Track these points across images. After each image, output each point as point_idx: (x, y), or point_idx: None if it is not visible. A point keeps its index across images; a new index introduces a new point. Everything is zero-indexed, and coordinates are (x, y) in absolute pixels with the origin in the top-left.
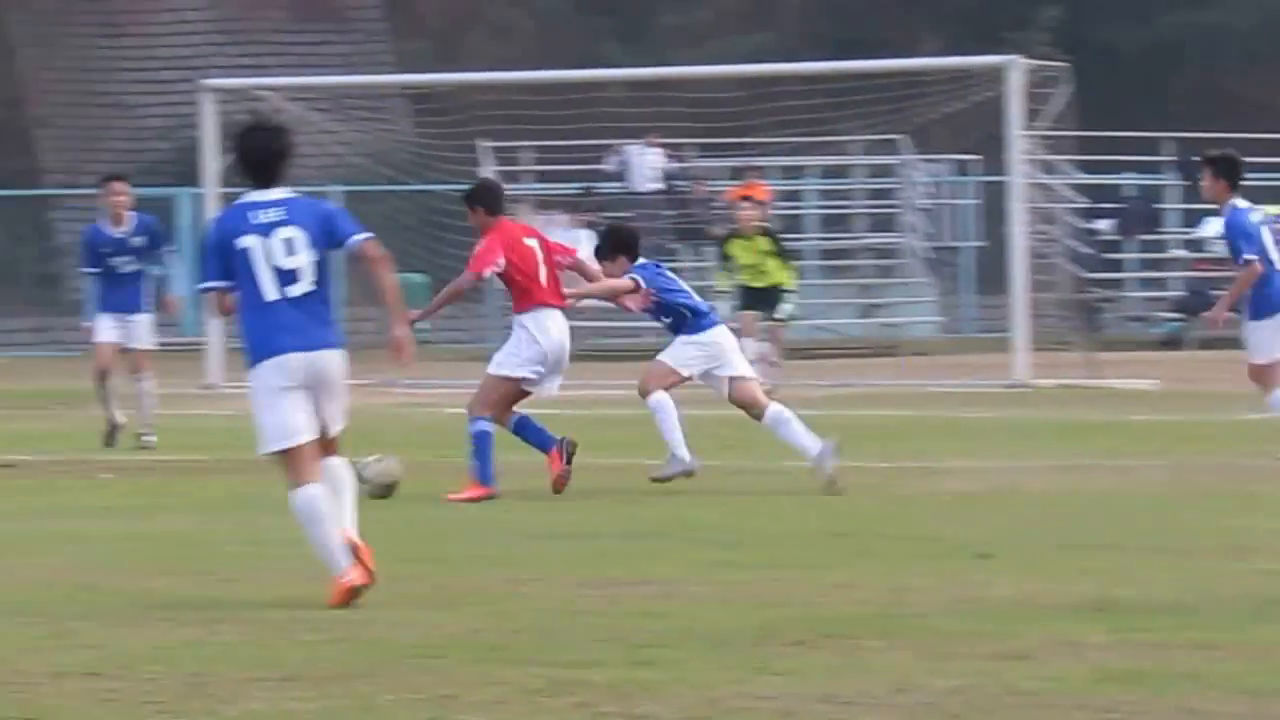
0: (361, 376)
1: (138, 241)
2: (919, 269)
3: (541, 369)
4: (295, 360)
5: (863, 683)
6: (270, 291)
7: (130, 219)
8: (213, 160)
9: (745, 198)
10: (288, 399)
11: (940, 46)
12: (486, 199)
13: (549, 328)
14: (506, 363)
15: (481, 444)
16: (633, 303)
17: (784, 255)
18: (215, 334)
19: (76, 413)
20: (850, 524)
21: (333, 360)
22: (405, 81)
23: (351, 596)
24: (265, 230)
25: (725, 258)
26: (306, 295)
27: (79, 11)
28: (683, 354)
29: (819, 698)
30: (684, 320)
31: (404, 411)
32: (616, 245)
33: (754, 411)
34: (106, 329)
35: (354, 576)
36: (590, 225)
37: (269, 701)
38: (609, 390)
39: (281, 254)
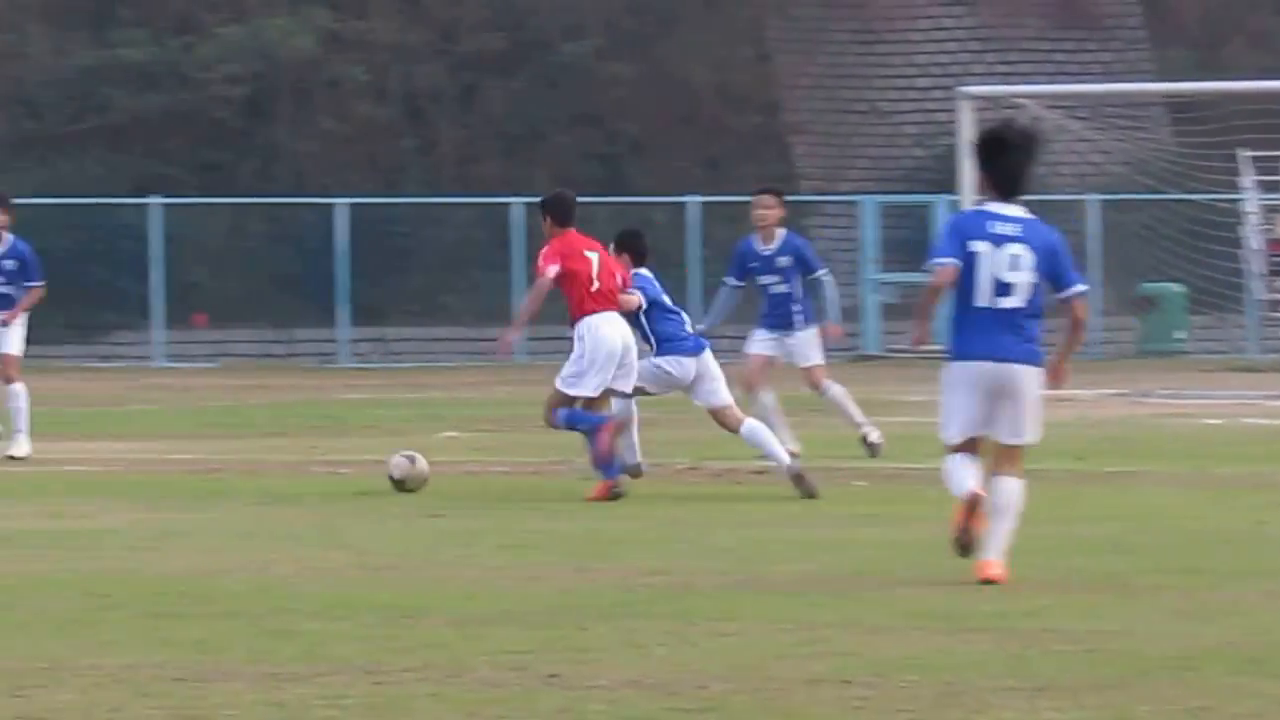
0: (1117, 386)
1: (782, 261)
2: None
3: (598, 381)
4: (984, 368)
5: None
6: (983, 298)
7: (778, 237)
8: (969, 168)
9: None
10: (968, 399)
11: None
12: (553, 209)
13: (605, 335)
14: (567, 380)
15: (574, 419)
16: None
17: None
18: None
19: (830, 419)
20: None
21: (1020, 373)
22: (1165, 90)
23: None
24: (998, 241)
25: None
26: (1015, 309)
27: (837, 18)
28: (647, 372)
29: None
30: (658, 344)
31: (1160, 422)
32: (623, 245)
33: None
34: (759, 342)
35: (970, 497)
36: None
37: (1021, 712)
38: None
39: (1005, 267)
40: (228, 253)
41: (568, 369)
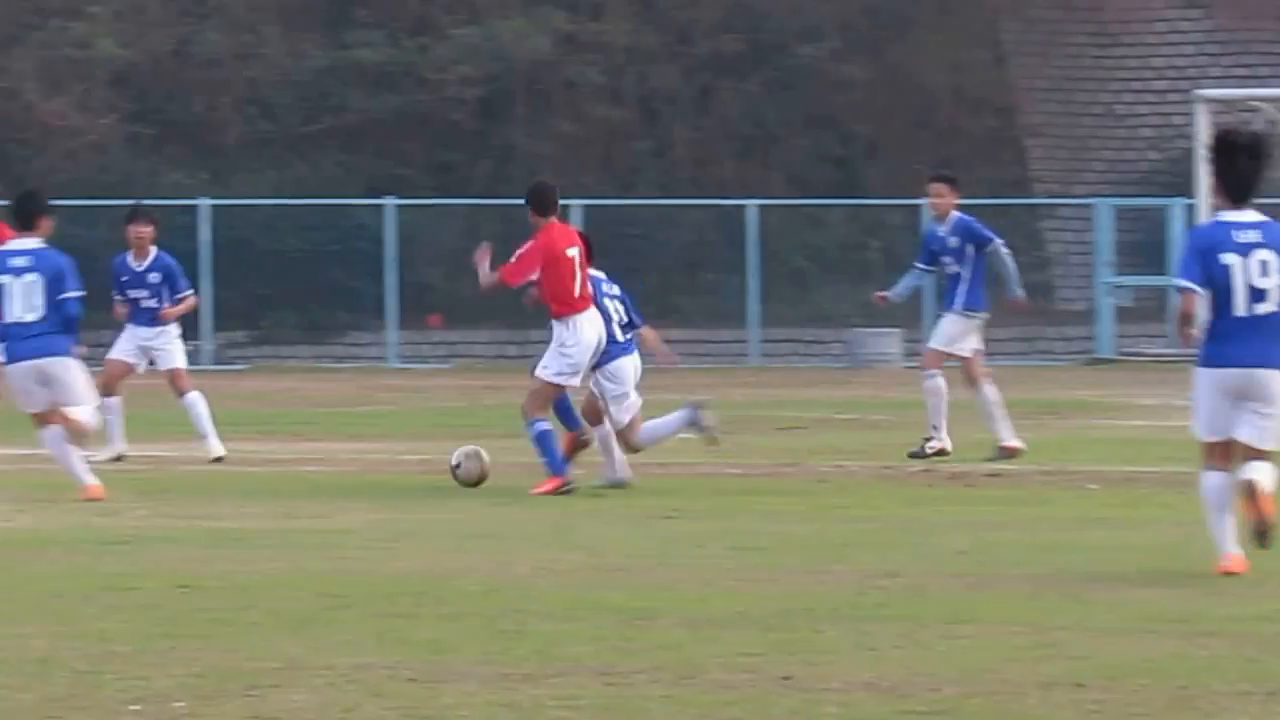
0: None
1: (953, 242)
2: None
3: (577, 375)
4: (1236, 375)
5: None
6: (1240, 307)
7: (951, 220)
8: (1206, 172)
9: None
10: (1219, 402)
11: None
12: (535, 200)
13: (584, 333)
14: (551, 368)
15: (544, 441)
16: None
17: None
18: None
19: (1064, 422)
20: None
21: (1270, 377)
22: None
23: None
24: (1245, 250)
25: None
26: (1269, 315)
27: (1073, 21)
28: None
29: None
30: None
31: None
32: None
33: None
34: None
35: (1230, 564)
36: None
37: (1255, 717)
38: None
39: (1257, 274)
40: (462, 254)
41: (553, 363)
